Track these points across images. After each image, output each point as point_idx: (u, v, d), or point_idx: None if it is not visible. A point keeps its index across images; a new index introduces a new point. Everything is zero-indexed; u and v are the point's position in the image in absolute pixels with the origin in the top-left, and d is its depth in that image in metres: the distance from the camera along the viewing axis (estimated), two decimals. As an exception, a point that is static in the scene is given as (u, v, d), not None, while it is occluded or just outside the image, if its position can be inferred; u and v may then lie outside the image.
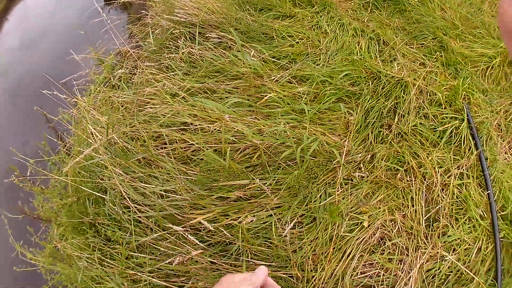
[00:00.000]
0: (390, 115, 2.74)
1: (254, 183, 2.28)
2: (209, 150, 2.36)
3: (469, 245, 2.30)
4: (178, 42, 3.24)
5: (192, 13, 3.39)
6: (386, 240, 2.29)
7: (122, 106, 3.00)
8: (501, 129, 2.88)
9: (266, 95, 2.65)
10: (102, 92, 3.40)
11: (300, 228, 2.29)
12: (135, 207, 2.40)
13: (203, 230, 2.30)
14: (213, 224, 2.19)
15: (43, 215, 4.02)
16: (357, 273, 2.20)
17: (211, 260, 2.22)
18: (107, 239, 2.73)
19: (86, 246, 2.77)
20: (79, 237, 2.83)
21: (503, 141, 2.83)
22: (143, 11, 4.90)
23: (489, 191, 2.44)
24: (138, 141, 2.66)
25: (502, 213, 2.42)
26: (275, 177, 2.33)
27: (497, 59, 3.25)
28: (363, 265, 2.24)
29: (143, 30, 4.43)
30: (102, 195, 2.64)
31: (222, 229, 2.18)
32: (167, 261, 2.29)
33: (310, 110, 2.60)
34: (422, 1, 3.79)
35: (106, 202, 2.63)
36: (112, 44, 4.40)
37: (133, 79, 3.45)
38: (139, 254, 2.43)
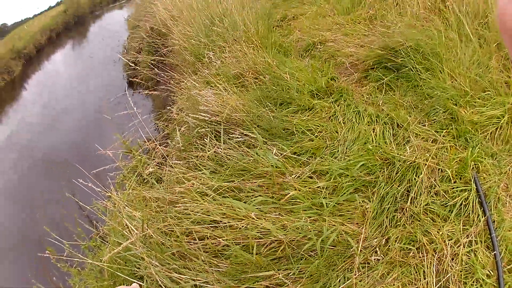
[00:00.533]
0: (403, 199, 3.00)
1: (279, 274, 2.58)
2: (237, 246, 2.69)
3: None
4: (204, 140, 3.62)
5: (216, 111, 3.79)
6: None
7: (155, 202, 3.35)
8: (509, 188, 3.08)
9: (288, 193, 2.97)
10: (133, 189, 3.74)
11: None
12: None
13: None
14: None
15: None
16: None
17: None
18: None
19: None
20: None
21: (511, 200, 3.04)
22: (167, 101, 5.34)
23: (495, 252, 2.64)
24: (172, 236, 2.98)
25: (508, 267, 2.62)
26: (298, 267, 2.62)
27: (505, 117, 3.48)
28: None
29: (169, 125, 4.85)
30: (139, 283, 2.91)
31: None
32: None
33: (329, 204, 2.90)
34: (433, 73, 4.07)
35: None
36: (138, 136, 4.80)
37: (162, 174, 3.80)
38: None
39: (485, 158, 3.21)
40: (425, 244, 2.72)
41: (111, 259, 3.19)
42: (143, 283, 2.92)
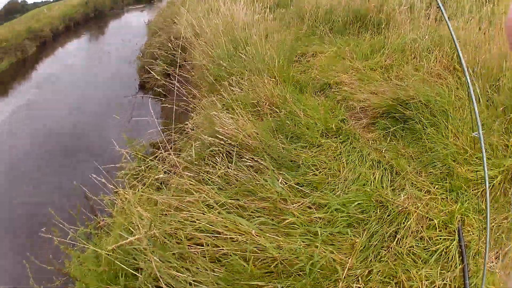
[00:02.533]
0: (390, 238, 3.40)
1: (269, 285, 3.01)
2: (236, 256, 3.13)
3: None
4: (216, 159, 4.08)
5: (231, 134, 4.26)
6: None
7: (162, 206, 3.78)
8: (491, 242, 3.42)
9: (287, 218, 3.42)
10: (144, 191, 4.12)
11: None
12: None
13: None
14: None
15: (72, 272, 4.67)
16: None
17: None
18: None
19: None
20: None
21: (490, 252, 3.39)
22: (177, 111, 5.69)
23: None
24: (175, 238, 3.42)
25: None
26: (287, 283, 3.05)
27: (499, 178, 3.83)
28: None
29: (183, 138, 5.28)
30: (135, 273, 3.30)
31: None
32: None
33: (322, 233, 3.35)
34: (438, 129, 4.47)
35: (139, 278, 3.30)
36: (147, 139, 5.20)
37: (171, 182, 4.21)
38: None
39: (472, 213, 3.58)
40: (404, 281, 3.06)
41: (112, 249, 3.56)
42: (140, 275, 3.29)
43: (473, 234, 3.47)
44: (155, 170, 4.38)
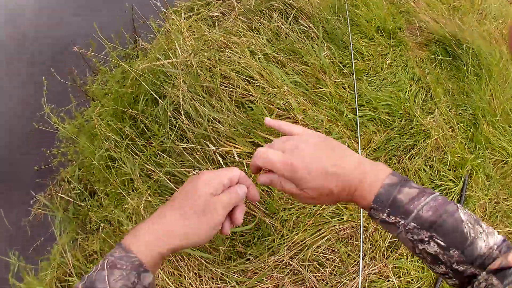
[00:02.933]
0: (404, 151, 3.50)
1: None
2: (261, 105, 3.19)
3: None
4: (273, 13, 4.05)
5: (296, -4, 4.21)
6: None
7: (207, 40, 3.80)
8: (485, 213, 3.46)
9: (321, 88, 3.47)
10: (196, 20, 4.14)
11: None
12: (183, 119, 3.23)
13: (229, 159, 3.10)
14: (239, 158, 2.99)
15: (90, 93, 4.77)
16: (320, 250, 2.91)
17: None
18: (140, 134, 3.52)
19: (119, 133, 3.54)
20: (116, 123, 3.60)
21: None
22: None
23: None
24: (209, 72, 3.47)
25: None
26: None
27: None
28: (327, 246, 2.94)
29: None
30: (157, 98, 3.39)
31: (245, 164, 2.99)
32: (185, 170, 3.06)
33: (347, 116, 3.42)
34: (479, 81, 4.46)
35: (159, 104, 3.41)
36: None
37: (221, 20, 4.22)
38: (164, 155, 3.22)
39: (481, 172, 3.60)
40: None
41: (143, 69, 3.65)
42: (162, 100, 3.39)
43: (475, 193, 3.49)
44: (211, 7, 4.38)
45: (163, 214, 0.92)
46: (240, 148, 3.04)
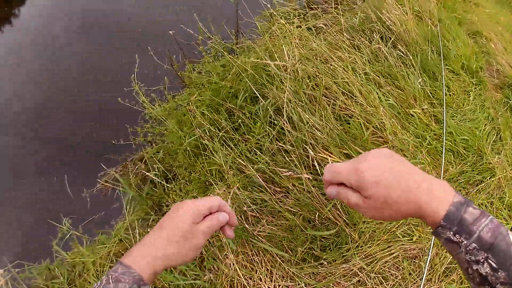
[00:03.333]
0: (472, 185, 3.74)
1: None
2: (359, 121, 3.52)
3: None
4: (373, 35, 4.38)
5: (394, 20, 4.51)
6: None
7: (312, 50, 4.11)
8: None
9: (411, 114, 3.81)
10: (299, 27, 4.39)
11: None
12: (285, 121, 3.49)
13: (323, 165, 3.31)
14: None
15: (187, 79, 4.96)
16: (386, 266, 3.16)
17: (312, 187, 3.23)
18: (235, 129, 3.78)
19: (214, 123, 3.78)
20: (212, 113, 3.86)
21: None
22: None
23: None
24: (313, 81, 3.75)
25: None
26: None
27: None
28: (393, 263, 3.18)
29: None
30: (258, 95, 3.62)
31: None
32: (278, 169, 3.28)
33: (431, 144, 3.76)
34: None
35: (259, 102, 3.67)
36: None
37: (324, 32, 4.51)
38: (258, 152, 3.46)
39: None
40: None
41: (249, 65, 3.91)
42: (263, 100, 3.65)
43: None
44: (317, 17, 4.66)
45: (154, 240, 1.09)
46: (334, 158, 3.29)
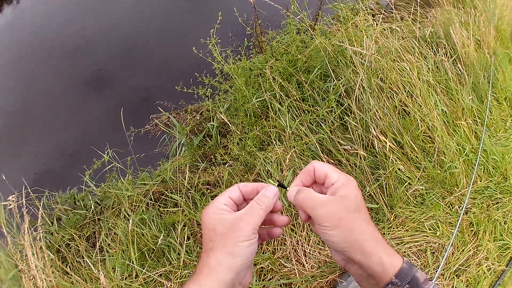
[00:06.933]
0: (502, 207, 4.01)
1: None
2: (416, 115, 3.94)
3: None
4: (439, 48, 4.78)
5: (458, 42, 4.88)
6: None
7: (386, 47, 4.43)
8: None
9: (457, 126, 4.21)
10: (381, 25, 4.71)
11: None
12: (352, 101, 3.89)
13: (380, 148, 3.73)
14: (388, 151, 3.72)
15: (264, 45, 5.13)
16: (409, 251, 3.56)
17: (365, 165, 3.65)
18: (302, 99, 4.09)
19: (284, 90, 4.08)
20: (284, 81, 4.15)
21: None
22: None
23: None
24: (383, 74, 4.08)
25: None
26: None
27: None
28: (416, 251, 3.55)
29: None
30: (332, 75, 4.05)
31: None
32: (339, 141, 3.74)
33: (468, 155, 4.15)
34: None
35: (331, 81, 4.05)
36: None
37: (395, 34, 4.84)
38: (322, 124, 3.88)
39: None
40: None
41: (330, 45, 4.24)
42: (334, 79, 3.96)
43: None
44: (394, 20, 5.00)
45: (216, 263, 0.91)
46: (389, 143, 3.64)
